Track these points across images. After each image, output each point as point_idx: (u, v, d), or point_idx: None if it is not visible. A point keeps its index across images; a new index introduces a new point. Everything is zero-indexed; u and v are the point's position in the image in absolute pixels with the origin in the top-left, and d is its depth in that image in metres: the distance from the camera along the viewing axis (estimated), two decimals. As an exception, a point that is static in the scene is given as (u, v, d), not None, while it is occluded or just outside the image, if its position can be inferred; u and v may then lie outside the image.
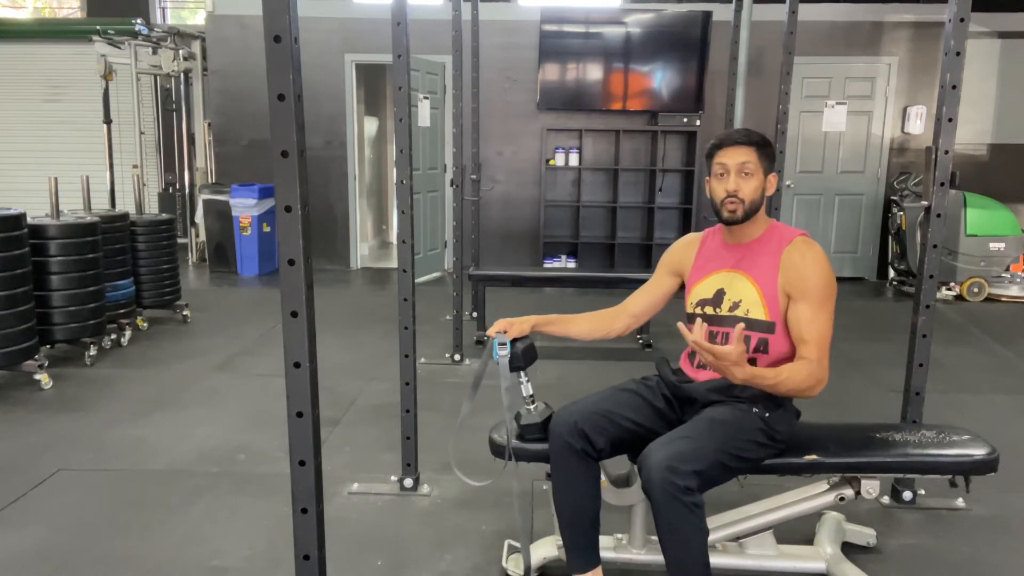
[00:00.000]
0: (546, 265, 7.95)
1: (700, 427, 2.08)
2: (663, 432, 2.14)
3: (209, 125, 8.35)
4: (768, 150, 2.22)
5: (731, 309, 2.21)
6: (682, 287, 2.42)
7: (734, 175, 2.18)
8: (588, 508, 2.17)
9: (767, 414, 2.14)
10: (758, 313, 2.17)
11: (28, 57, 9.68)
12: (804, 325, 2.12)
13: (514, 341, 2.27)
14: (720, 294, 2.24)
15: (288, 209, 1.49)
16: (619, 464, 2.33)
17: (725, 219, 2.22)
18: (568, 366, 4.69)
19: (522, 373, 2.27)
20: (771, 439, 2.15)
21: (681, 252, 2.42)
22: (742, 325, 1.95)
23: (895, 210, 7.28)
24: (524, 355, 2.26)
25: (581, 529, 2.19)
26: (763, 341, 2.18)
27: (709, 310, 2.25)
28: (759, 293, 2.17)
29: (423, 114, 7.22)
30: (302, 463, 1.61)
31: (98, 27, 8.41)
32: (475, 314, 5.43)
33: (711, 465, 1.99)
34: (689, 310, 2.32)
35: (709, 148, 2.25)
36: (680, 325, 1.98)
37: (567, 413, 2.18)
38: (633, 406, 2.21)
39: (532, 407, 2.26)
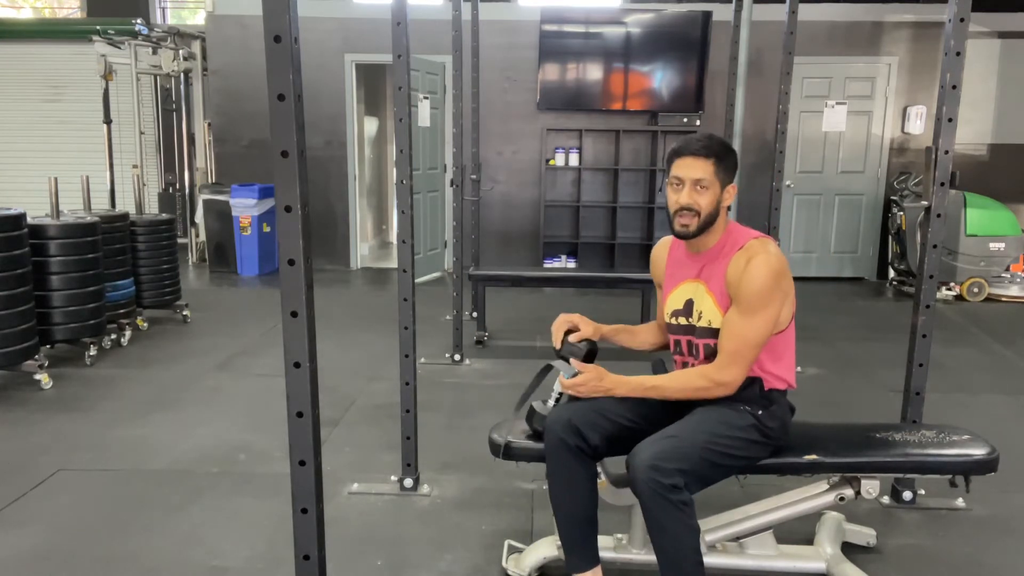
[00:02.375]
0: (546, 265, 7.95)
1: (687, 425, 2.09)
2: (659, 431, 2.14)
3: (209, 125, 8.35)
4: (728, 161, 2.16)
5: (699, 319, 2.22)
6: None
7: (688, 188, 2.14)
8: (584, 506, 2.17)
9: (759, 412, 2.14)
10: (718, 322, 2.16)
11: (28, 57, 9.68)
12: (725, 329, 2.12)
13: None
14: (689, 304, 2.24)
15: (288, 209, 1.49)
16: (619, 464, 2.33)
17: (677, 232, 2.19)
18: (568, 366, 4.69)
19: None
20: (765, 436, 2.15)
21: (657, 263, 2.42)
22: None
23: (895, 210, 7.28)
24: (589, 355, 2.26)
25: (578, 527, 2.19)
26: None
27: (683, 320, 2.26)
28: (714, 302, 2.17)
29: (423, 114, 7.21)
30: (302, 463, 1.61)
31: (98, 27, 8.41)
32: (475, 314, 5.43)
33: (698, 463, 1.99)
34: (667, 320, 2.32)
35: (669, 153, 2.21)
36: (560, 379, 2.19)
37: (562, 411, 2.18)
38: (628, 404, 2.21)
39: (550, 403, 2.27)
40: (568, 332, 2.30)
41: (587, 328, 2.29)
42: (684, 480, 1.93)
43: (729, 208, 2.24)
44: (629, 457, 2.00)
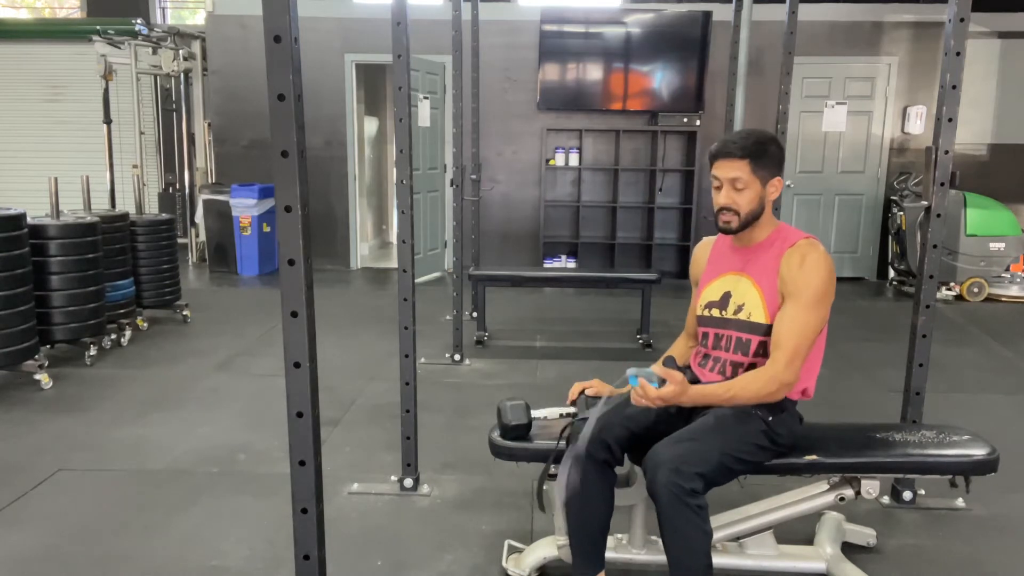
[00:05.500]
0: (546, 265, 7.95)
1: (704, 429, 2.08)
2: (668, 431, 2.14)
3: (209, 125, 8.35)
4: (767, 158, 2.17)
5: (735, 312, 2.22)
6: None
7: (727, 188, 2.18)
8: (602, 515, 2.17)
9: (770, 417, 2.14)
10: (759, 316, 2.17)
11: (28, 57, 9.68)
12: (784, 326, 2.10)
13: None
14: (727, 297, 2.25)
15: (288, 209, 1.49)
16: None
17: (721, 228, 2.24)
18: (568, 366, 4.69)
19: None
20: (772, 442, 2.15)
21: (698, 259, 2.43)
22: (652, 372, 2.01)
23: (895, 210, 7.28)
24: None
25: (592, 535, 2.19)
26: (763, 344, 2.18)
27: (716, 312, 2.26)
28: (760, 296, 2.17)
29: (423, 114, 7.21)
30: (302, 463, 1.61)
31: (98, 27, 8.41)
32: (475, 314, 5.43)
33: (715, 467, 1.99)
34: (699, 312, 2.33)
35: (708, 155, 2.25)
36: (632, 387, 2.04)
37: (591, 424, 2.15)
38: (649, 412, 2.19)
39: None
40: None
41: (604, 388, 2.26)
42: (702, 484, 1.93)
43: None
44: (647, 459, 1.98)
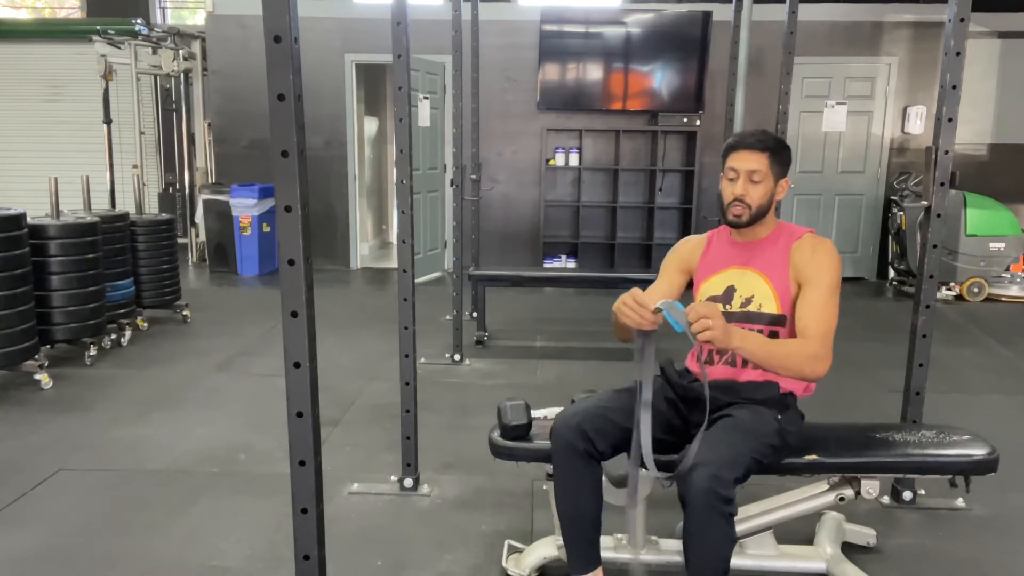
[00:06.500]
0: (546, 265, 7.95)
1: (732, 432, 2.04)
2: (663, 435, 2.14)
3: (209, 125, 8.35)
4: (782, 155, 2.22)
5: (743, 305, 2.22)
6: (690, 286, 2.40)
7: (743, 180, 2.19)
8: (590, 509, 2.16)
9: (779, 415, 2.14)
10: (770, 307, 2.19)
11: (28, 57, 9.68)
12: (812, 311, 2.11)
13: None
14: (730, 291, 2.24)
15: (288, 209, 1.49)
16: (618, 464, 2.33)
17: (730, 222, 2.24)
18: (568, 366, 4.69)
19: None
20: (784, 441, 2.15)
21: (687, 251, 2.40)
22: (668, 302, 1.85)
23: (895, 210, 7.28)
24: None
25: (582, 530, 2.18)
26: (773, 334, 2.18)
27: (719, 307, 2.25)
28: (771, 287, 2.19)
29: (423, 114, 7.21)
30: (302, 463, 1.61)
31: (98, 27, 8.41)
32: (475, 314, 5.43)
33: (745, 472, 1.97)
34: None
35: (724, 147, 2.26)
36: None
37: (570, 414, 2.16)
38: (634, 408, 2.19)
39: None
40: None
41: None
42: (735, 491, 1.90)
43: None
44: (682, 464, 1.92)
